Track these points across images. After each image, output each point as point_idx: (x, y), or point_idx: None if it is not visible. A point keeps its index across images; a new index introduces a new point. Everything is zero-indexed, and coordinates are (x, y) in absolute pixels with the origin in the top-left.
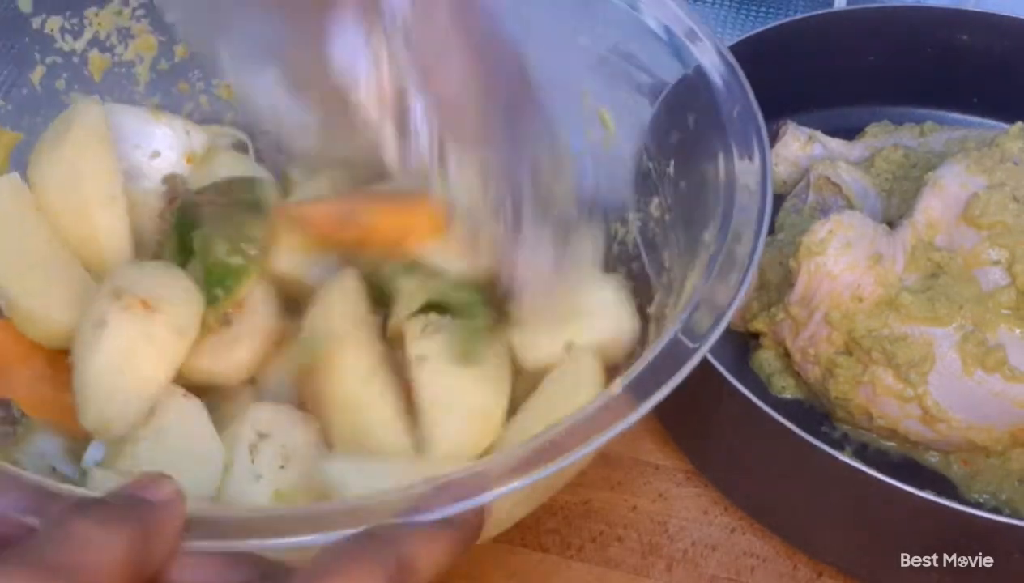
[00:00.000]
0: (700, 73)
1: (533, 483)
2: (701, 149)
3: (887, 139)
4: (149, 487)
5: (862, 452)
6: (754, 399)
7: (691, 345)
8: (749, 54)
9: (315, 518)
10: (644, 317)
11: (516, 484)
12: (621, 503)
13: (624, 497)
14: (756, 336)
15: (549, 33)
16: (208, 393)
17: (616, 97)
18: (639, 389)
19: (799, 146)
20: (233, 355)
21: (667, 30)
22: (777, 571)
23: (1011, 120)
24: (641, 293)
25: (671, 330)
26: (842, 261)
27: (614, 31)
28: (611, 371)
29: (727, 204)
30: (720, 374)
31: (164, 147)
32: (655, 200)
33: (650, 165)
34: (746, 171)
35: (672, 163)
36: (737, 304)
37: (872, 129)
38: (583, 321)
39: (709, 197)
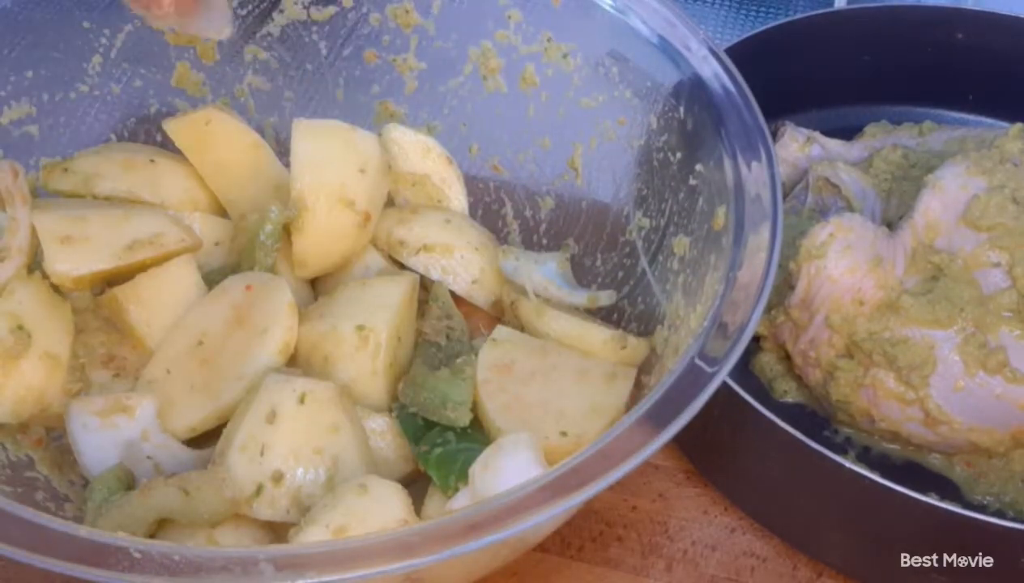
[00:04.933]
0: (701, 82)
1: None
2: (706, 157)
3: (886, 139)
4: None
5: (865, 456)
6: (758, 406)
7: (709, 370)
8: (749, 54)
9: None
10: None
11: (534, 520)
12: (621, 503)
13: (624, 497)
14: (756, 339)
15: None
16: None
17: (612, 105)
18: (658, 416)
19: (797, 147)
20: None
21: (660, 38)
22: (777, 571)
23: (1006, 116)
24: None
25: (687, 355)
26: (842, 264)
27: (611, 38)
28: None
29: (737, 226)
30: (723, 380)
31: None
32: (653, 213)
33: (650, 176)
34: (756, 180)
35: (674, 176)
36: (753, 327)
37: (871, 129)
38: None
39: (716, 208)
